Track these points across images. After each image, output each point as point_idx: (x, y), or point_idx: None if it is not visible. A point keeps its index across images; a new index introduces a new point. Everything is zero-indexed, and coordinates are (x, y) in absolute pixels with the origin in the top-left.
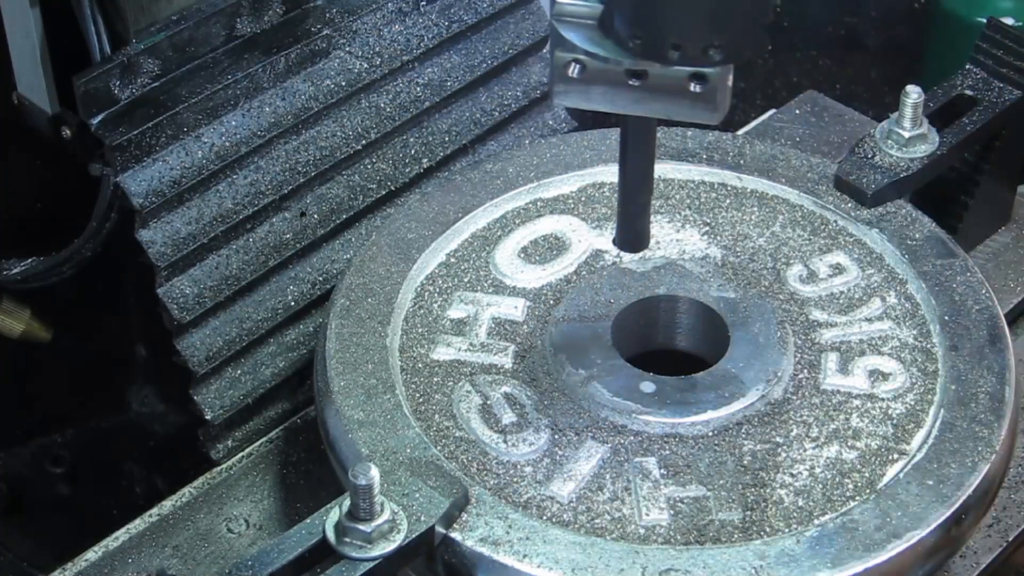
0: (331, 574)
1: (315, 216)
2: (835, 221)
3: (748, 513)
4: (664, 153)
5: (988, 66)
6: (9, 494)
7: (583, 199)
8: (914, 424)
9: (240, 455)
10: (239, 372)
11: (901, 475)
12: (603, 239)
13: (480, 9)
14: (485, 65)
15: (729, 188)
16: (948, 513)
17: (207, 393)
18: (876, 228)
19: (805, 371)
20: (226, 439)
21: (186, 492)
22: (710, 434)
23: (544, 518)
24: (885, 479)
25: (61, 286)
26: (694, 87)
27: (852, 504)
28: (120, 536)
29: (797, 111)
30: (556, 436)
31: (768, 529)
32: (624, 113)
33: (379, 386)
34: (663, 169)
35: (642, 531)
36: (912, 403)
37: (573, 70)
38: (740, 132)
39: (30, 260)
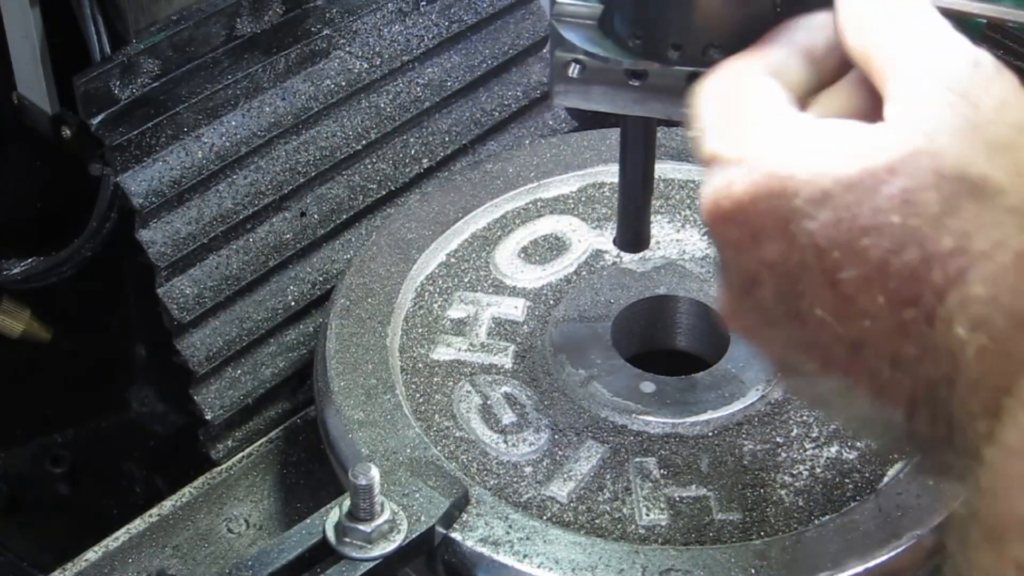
0: (331, 574)
1: (315, 216)
2: None
3: (748, 513)
4: (664, 153)
5: None
6: (9, 494)
7: (583, 199)
8: None
9: (240, 455)
10: (239, 372)
11: (901, 475)
12: (603, 239)
13: (480, 9)
14: (485, 65)
15: None
16: (948, 513)
17: (207, 393)
18: None
19: None
20: (226, 439)
21: (186, 492)
22: (710, 434)
23: (544, 518)
24: (885, 479)
25: (61, 286)
26: (694, 87)
27: (852, 504)
28: (120, 536)
29: None
30: (556, 436)
31: (768, 529)
32: (624, 113)
33: (379, 386)
34: (663, 169)
35: (642, 531)
36: None
37: (573, 70)
38: None
39: (30, 260)
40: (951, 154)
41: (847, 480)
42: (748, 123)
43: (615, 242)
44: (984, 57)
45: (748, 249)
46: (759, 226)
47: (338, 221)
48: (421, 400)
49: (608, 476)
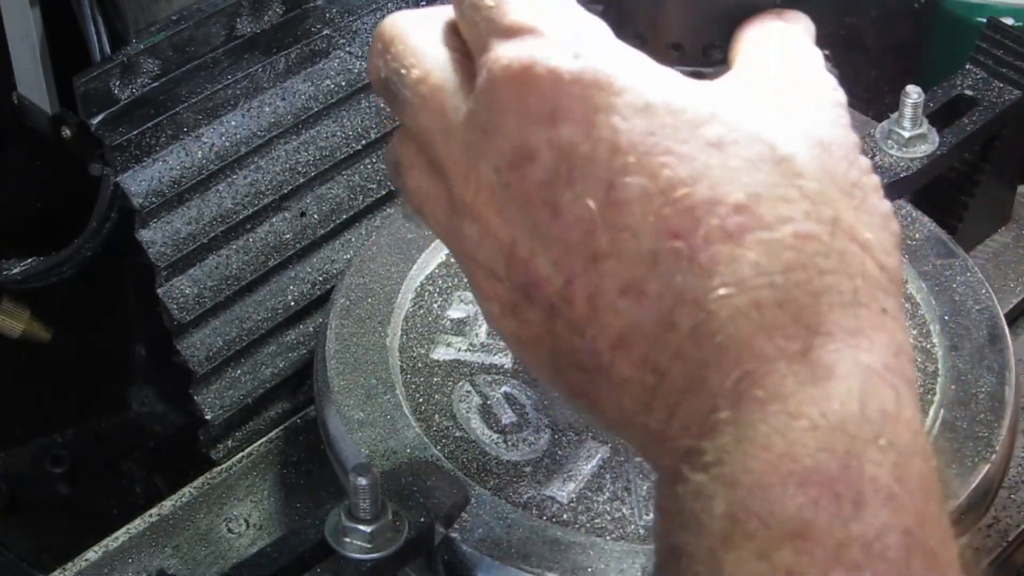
0: (331, 574)
1: (315, 216)
2: None
3: None
4: None
5: (988, 66)
6: (9, 494)
7: None
8: None
9: (240, 455)
10: (239, 372)
11: None
12: None
13: None
14: None
15: None
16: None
17: (207, 393)
18: None
19: None
20: (226, 439)
21: (186, 492)
22: None
23: (544, 518)
24: None
25: (61, 286)
26: None
27: None
28: (120, 536)
29: None
30: (556, 436)
31: None
32: None
33: (379, 386)
34: None
35: (642, 531)
36: None
37: None
38: None
39: (30, 260)
40: (771, 127)
41: None
42: (571, 11)
43: None
44: (842, 97)
45: (538, 123)
46: (564, 107)
47: (338, 221)
48: (421, 400)
49: (608, 476)
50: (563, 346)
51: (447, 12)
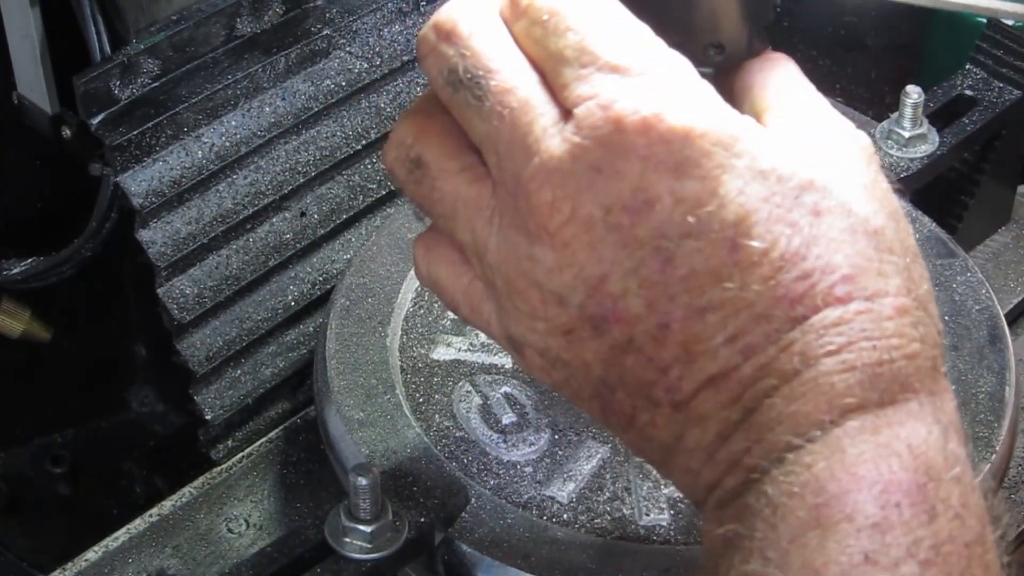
0: (331, 575)
1: (315, 216)
2: None
3: None
4: None
5: (988, 66)
6: (9, 494)
7: None
8: None
9: (240, 455)
10: (239, 372)
11: None
12: None
13: None
14: None
15: None
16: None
17: (207, 393)
18: None
19: None
20: (226, 439)
21: (186, 492)
22: None
23: (544, 518)
24: None
25: (61, 286)
26: None
27: None
28: (120, 536)
29: None
30: (556, 436)
31: None
32: None
33: (379, 386)
34: None
35: (642, 531)
36: None
37: None
38: None
39: (30, 260)
40: (856, 199)
41: None
42: (675, 59)
43: None
44: (866, 139)
45: (662, 173)
46: (692, 161)
47: (338, 221)
48: (421, 400)
49: (608, 476)
50: (629, 377)
51: (496, 4)
